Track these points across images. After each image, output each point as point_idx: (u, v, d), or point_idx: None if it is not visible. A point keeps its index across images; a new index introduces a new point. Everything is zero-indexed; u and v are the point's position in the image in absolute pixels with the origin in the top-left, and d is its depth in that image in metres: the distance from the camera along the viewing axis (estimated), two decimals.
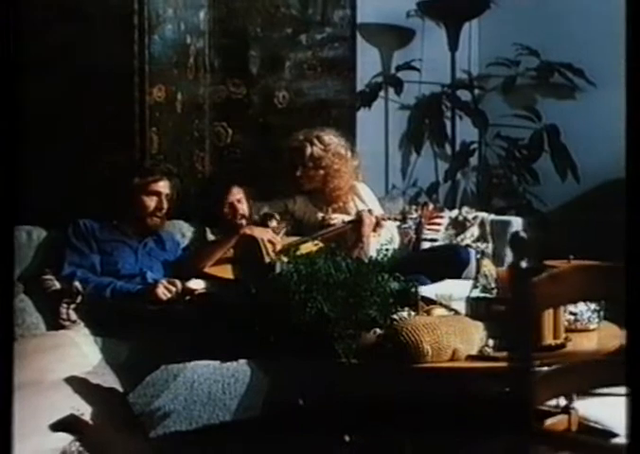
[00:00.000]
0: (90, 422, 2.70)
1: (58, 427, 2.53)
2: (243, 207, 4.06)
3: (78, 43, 3.91)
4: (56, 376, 3.00)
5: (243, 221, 4.00)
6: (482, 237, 4.22)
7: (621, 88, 5.27)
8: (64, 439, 2.69)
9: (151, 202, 3.81)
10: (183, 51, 4.23)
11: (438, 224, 4.16)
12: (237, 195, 4.06)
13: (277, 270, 2.99)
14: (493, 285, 2.97)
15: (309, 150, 4.08)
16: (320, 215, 4.08)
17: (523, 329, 1.49)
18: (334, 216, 4.06)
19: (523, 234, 1.42)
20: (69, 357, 3.16)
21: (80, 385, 2.97)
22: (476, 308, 2.96)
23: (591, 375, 1.72)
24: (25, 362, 3.03)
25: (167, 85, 4.14)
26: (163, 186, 3.84)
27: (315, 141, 4.09)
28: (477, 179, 5.43)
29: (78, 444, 2.69)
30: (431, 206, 4.18)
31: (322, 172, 4.09)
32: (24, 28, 3.66)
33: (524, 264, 1.37)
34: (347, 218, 4.05)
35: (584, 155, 5.09)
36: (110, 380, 3.08)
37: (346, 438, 2.57)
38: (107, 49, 3.95)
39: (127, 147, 4.02)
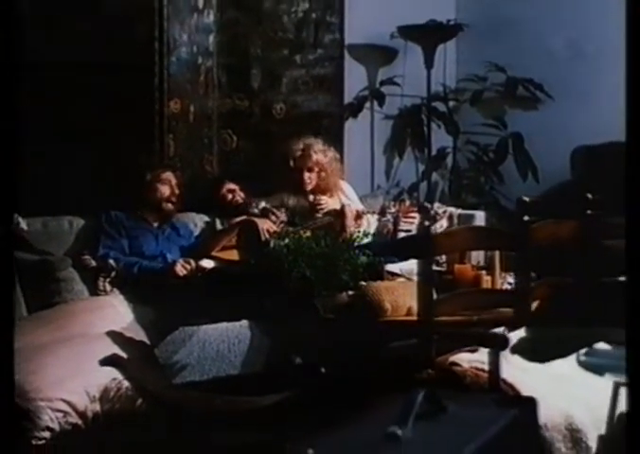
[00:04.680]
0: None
1: (105, 362, 3.13)
2: (236, 197, 4.49)
3: (108, 66, 4.37)
4: (98, 330, 3.57)
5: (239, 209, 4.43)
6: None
7: (575, 101, 5.87)
8: (107, 377, 3.23)
9: (165, 189, 4.29)
10: (195, 70, 4.60)
11: (413, 218, 4.43)
12: (229, 186, 4.51)
13: (271, 245, 3.62)
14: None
15: (314, 157, 4.49)
16: (312, 197, 4.52)
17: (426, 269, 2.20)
18: (322, 198, 4.52)
19: (427, 204, 2.13)
20: (108, 315, 3.71)
21: (117, 337, 3.51)
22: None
23: (474, 299, 2.42)
24: (74, 320, 3.66)
25: (182, 99, 4.54)
26: (170, 175, 4.32)
27: (316, 149, 4.53)
28: (450, 179, 5.69)
29: (117, 381, 3.24)
30: (407, 203, 4.63)
31: (323, 174, 4.54)
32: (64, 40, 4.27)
33: (426, 223, 2.07)
34: (332, 202, 4.53)
35: (543, 159, 5.42)
36: (141, 335, 3.63)
37: (322, 370, 3.18)
38: (133, 70, 4.40)
39: (149, 150, 4.46)
